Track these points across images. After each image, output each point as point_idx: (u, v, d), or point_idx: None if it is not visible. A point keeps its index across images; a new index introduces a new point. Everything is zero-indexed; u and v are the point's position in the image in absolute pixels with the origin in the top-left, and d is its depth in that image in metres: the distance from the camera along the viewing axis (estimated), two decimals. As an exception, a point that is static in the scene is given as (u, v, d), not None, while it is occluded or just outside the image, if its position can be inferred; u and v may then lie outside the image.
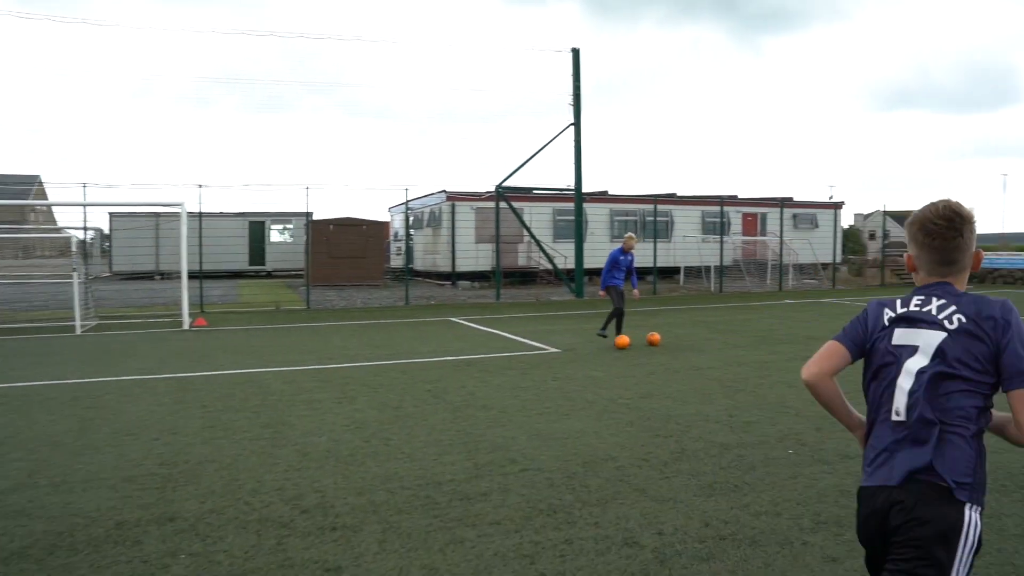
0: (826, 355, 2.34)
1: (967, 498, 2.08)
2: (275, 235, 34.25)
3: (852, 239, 57.76)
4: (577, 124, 21.38)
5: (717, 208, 29.75)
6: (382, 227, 28.15)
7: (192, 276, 17.48)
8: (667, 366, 10.05)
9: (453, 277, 26.65)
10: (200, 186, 18.99)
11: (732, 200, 30.34)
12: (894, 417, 2.17)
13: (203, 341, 13.30)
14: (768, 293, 23.84)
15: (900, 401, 2.17)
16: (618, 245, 12.50)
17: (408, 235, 25.92)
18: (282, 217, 32.72)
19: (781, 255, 25.61)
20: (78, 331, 14.93)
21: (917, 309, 2.25)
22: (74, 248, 15.94)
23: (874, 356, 2.28)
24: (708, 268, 26.97)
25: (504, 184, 21.66)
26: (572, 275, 27.57)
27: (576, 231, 21.81)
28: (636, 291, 12.62)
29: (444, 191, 26.43)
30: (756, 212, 30.00)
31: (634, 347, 11.73)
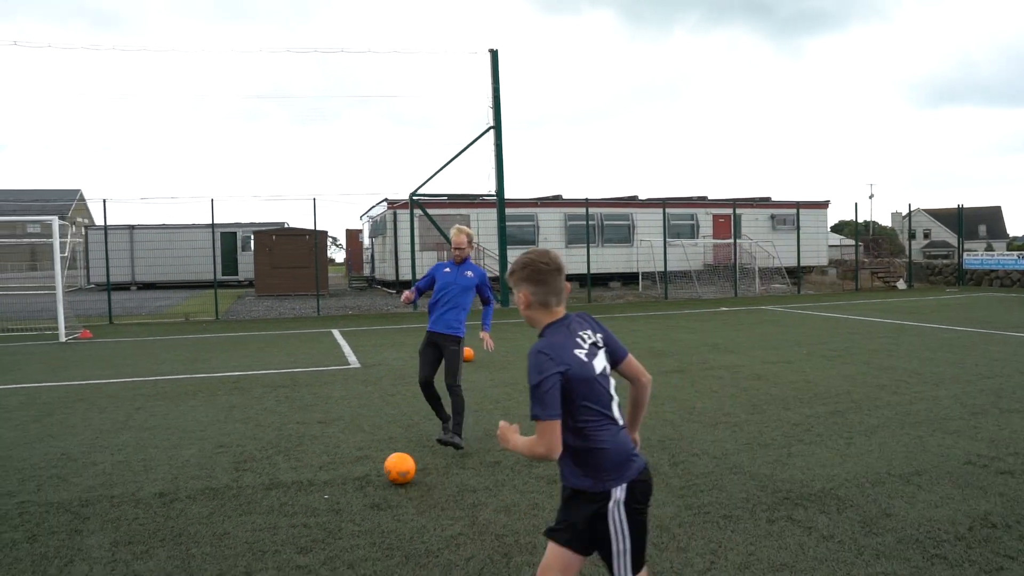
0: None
1: None
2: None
3: (889, 239, 55.04)
4: (497, 128, 20.41)
5: (683, 211, 28.35)
6: (324, 236, 27.68)
7: (117, 287, 17.48)
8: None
9: (396, 285, 26.01)
10: (105, 200, 18.58)
11: (700, 201, 28.83)
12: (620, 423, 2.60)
13: (49, 355, 12.89)
14: (717, 299, 22.37)
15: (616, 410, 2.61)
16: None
17: (372, 243, 25.45)
18: (251, 228, 32.70)
19: (735, 258, 24.04)
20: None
21: (584, 336, 2.60)
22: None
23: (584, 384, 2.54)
24: (681, 273, 25.66)
25: (420, 192, 20.84)
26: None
27: (500, 237, 20.87)
28: (486, 334, 6.56)
29: (386, 199, 25.75)
30: (729, 213, 28.39)
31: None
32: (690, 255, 26.33)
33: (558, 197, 27.40)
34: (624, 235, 27.70)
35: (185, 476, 5.63)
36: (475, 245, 5.84)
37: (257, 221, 34.26)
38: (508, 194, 22.51)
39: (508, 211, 25.80)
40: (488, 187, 21.53)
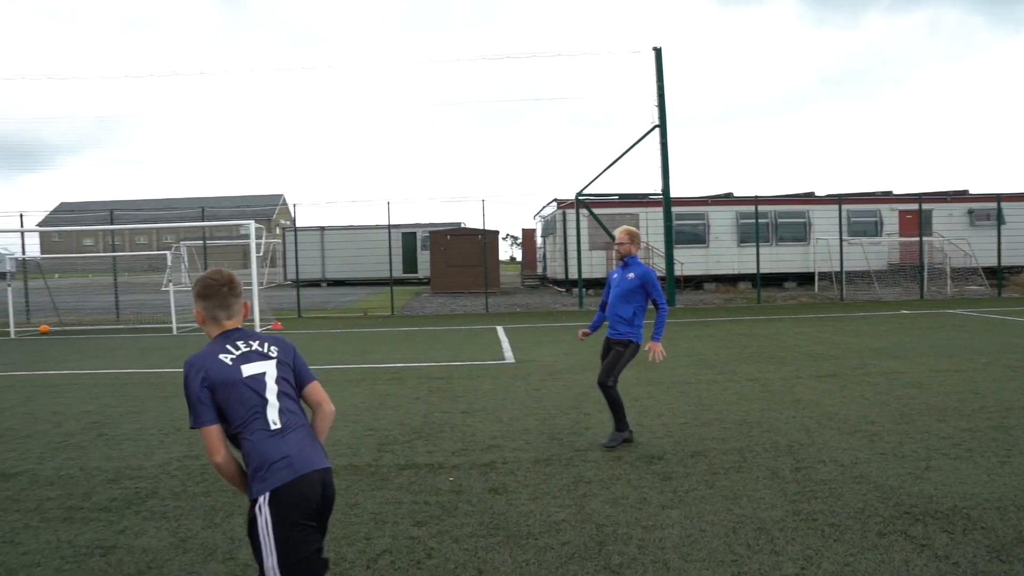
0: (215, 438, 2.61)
1: None
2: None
3: None
4: (663, 126, 20.27)
5: (866, 207, 26.66)
6: (496, 236, 28.63)
7: (309, 284, 19.47)
8: (559, 386, 9.40)
9: (566, 284, 26.47)
10: (295, 204, 20.50)
11: (884, 196, 26.88)
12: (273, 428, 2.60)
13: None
14: (899, 302, 20.83)
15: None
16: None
17: (544, 243, 26.20)
18: (430, 228, 34.47)
19: (922, 257, 22.22)
20: (174, 331, 17.14)
21: (246, 347, 2.71)
22: (169, 261, 18.13)
23: (227, 388, 2.61)
24: (861, 273, 24.22)
25: (586, 192, 21.13)
26: (688, 282, 26.27)
27: (667, 236, 20.72)
28: (653, 344, 6.23)
29: (555, 199, 26.27)
30: (916, 209, 26.30)
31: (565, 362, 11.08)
32: (870, 254, 24.74)
33: (729, 195, 26.71)
34: (799, 233, 26.50)
35: (334, 454, 6.29)
36: (642, 243, 5.65)
37: (436, 221, 36.09)
38: (679, 192, 22.32)
39: (678, 210, 25.54)
40: (656, 186, 21.41)
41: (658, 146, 20.46)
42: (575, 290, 26.22)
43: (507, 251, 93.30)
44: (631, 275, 6.27)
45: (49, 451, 6.65)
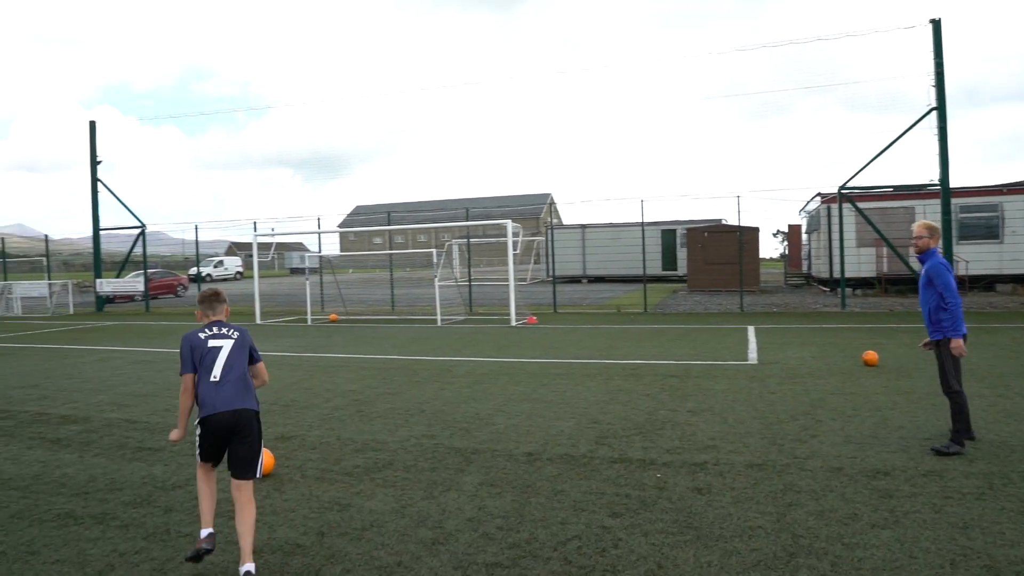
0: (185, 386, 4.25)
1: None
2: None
3: None
4: (941, 108, 18.14)
5: None
6: (756, 233, 27.37)
7: (570, 280, 20.39)
8: (797, 390, 8.93)
9: (830, 283, 24.69)
10: (553, 203, 21.36)
11: None
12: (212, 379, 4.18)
13: (499, 336, 15.70)
14: None
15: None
16: None
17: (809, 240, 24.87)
18: (689, 225, 33.92)
19: None
20: (439, 323, 18.83)
21: (217, 331, 4.33)
22: (435, 259, 19.84)
23: (197, 351, 4.26)
24: None
25: (850, 184, 19.55)
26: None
27: (944, 230, 18.50)
28: (955, 344, 6.06)
29: (818, 193, 24.55)
30: None
31: (844, 366, 10.41)
32: None
33: (1032, 183, 23.22)
34: None
35: (553, 443, 6.64)
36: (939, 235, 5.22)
37: (697, 218, 35.46)
38: (963, 181, 19.82)
39: (963, 201, 22.82)
40: (934, 175, 19.27)
41: (935, 131, 18.38)
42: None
43: (776, 248, 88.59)
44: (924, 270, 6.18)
45: (317, 421, 7.78)
